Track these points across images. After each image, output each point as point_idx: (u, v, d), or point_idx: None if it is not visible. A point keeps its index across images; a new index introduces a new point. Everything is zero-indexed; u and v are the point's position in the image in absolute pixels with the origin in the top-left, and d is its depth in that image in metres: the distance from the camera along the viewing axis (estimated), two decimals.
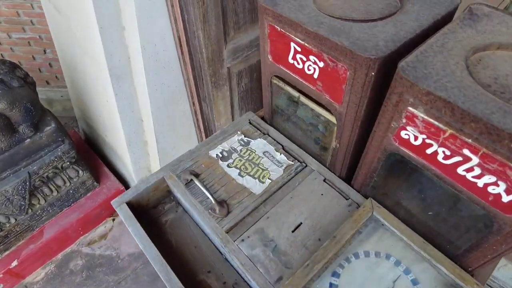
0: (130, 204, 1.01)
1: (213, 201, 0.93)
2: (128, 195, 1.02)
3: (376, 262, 0.85)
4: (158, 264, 0.87)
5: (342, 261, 0.86)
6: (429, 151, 0.70)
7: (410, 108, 0.67)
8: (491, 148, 0.59)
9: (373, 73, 0.71)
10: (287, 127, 1.13)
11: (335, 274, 0.84)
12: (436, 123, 0.64)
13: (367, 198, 0.95)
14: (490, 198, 0.64)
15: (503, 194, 0.62)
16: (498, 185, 0.62)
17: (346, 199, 0.97)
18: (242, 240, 0.90)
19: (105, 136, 2.16)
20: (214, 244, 1.02)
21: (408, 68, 0.66)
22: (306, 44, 0.80)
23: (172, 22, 1.57)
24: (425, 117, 0.65)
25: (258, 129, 1.15)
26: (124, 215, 0.97)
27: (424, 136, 0.69)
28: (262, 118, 1.22)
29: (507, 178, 0.59)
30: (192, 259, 1.00)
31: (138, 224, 0.95)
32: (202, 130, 1.96)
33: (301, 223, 0.93)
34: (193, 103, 1.87)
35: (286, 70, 0.93)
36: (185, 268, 0.97)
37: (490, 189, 0.63)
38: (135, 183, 2.08)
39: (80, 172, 1.90)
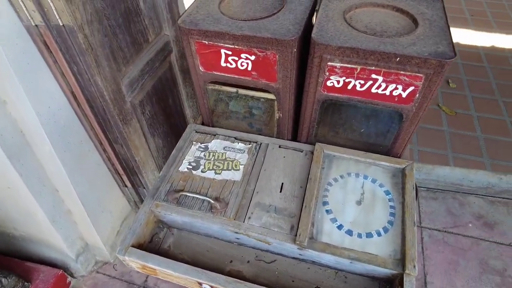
0: (133, 247, 1.04)
1: (211, 201, 1.06)
2: (128, 239, 1.05)
3: (344, 181, 1.14)
4: (196, 273, 0.96)
5: (323, 192, 1.12)
6: (349, 86, 1.00)
7: (329, 63, 0.96)
8: (387, 67, 0.92)
9: (295, 50, 0.97)
10: (230, 123, 1.32)
11: (324, 203, 1.09)
12: (349, 65, 0.95)
13: (315, 144, 1.23)
14: (396, 99, 0.99)
15: (402, 93, 0.97)
16: (397, 88, 0.96)
17: (301, 152, 1.23)
18: (249, 218, 1.06)
19: (14, 230, 1.90)
20: (223, 239, 1.14)
21: (318, 36, 0.94)
22: (236, 47, 1.00)
23: (59, 78, 1.53)
24: (341, 64, 0.95)
25: (206, 134, 1.30)
26: (138, 256, 1.01)
27: (344, 78, 0.99)
28: (203, 124, 1.37)
29: (401, 81, 0.94)
30: (211, 260, 1.11)
31: (156, 256, 1.00)
32: (122, 172, 1.94)
33: (283, 183, 1.15)
34: (104, 150, 1.84)
35: (220, 73, 1.11)
36: (210, 270, 1.08)
37: (394, 93, 0.98)
38: (73, 259, 1.91)
39: (4, 280, 1.66)
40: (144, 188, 1.98)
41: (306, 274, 1.07)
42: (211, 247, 1.14)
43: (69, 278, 1.92)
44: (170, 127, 2.11)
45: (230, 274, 1.08)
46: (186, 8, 1.16)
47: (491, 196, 2.40)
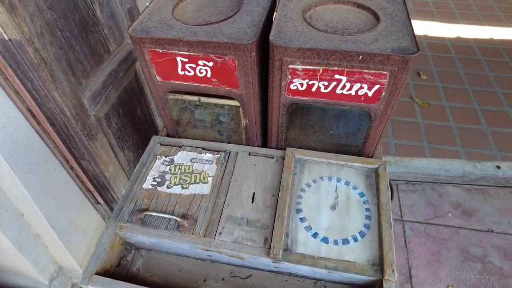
0: (98, 274, 0.97)
1: (178, 219, 1.00)
2: (92, 266, 0.97)
3: (317, 186, 1.10)
4: None
5: (297, 199, 1.07)
6: (313, 89, 0.96)
7: (290, 66, 0.91)
8: (349, 66, 0.88)
9: (254, 53, 0.92)
10: (197, 132, 1.25)
11: (298, 211, 1.05)
12: (311, 67, 0.90)
13: (285, 149, 1.18)
14: (362, 99, 0.96)
15: (368, 92, 0.93)
16: (362, 88, 0.93)
17: (272, 158, 1.18)
18: (220, 233, 1.01)
19: None
20: (194, 257, 1.08)
21: (277, 38, 0.89)
22: (191, 53, 0.95)
23: (12, 95, 1.43)
24: (303, 66, 0.91)
25: (171, 146, 1.23)
26: (103, 284, 0.93)
27: (307, 80, 0.94)
28: (168, 136, 1.30)
29: (365, 80, 0.90)
30: (184, 281, 1.04)
31: (122, 282, 0.93)
32: (93, 189, 1.85)
33: (254, 192, 1.09)
34: (71, 167, 1.74)
35: (179, 82, 1.05)
36: None
37: (360, 92, 0.94)
38: (46, 284, 1.81)
39: None
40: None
41: (284, 287, 1.02)
42: (182, 266, 1.07)
43: None
44: (141, 139, 2.03)
45: None
46: None
47: (468, 184, 2.43)
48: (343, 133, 1.12)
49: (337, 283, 1.01)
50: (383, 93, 0.93)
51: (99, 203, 1.92)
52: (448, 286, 2.01)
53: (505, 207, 2.32)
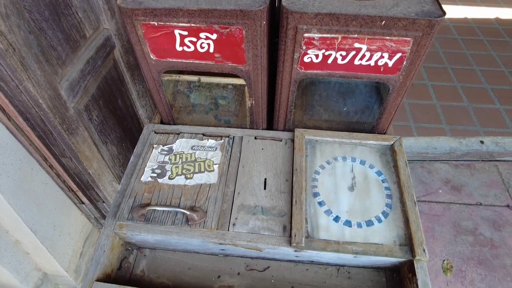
0: (99, 280, 0.85)
1: (187, 212, 0.90)
2: (91, 273, 0.85)
3: (332, 167, 1.03)
4: None
5: (312, 183, 1.00)
6: (330, 60, 0.88)
7: (306, 34, 0.82)
8: (371, 33, 0.80)
9: (264, 22, 0.82)
10: (192, 118, 1.14)
11: (315, 195, 0.98)
12: (329, 35, 0.82)
13: (293, 131, 1.10)
14: (381, 69, 0.89)
15: (388, 61, 0.87)
16: (383, 57, 0.85)
17: (280, 141, 1.10)
18: (234, 224, 0.92)
19: None
20: (205, 253, 0.98)
21: (291, 4, 0.80)
22: (192, 25, 0.83)
23: None
24: (320, 35, 0.82)
25: (168, 133, 1.12)
26: None
27: (323, 51, 0.86)
28: (162, 123, 1.18)
29: (387, 48, 0.83)
30: (196, 279, 0.95)
31: None
32: (76, 188, 1.70)
33: (266, 178, 1.01)
34: (51, 166, 1.58)
35: (177, 60, 0.93)
36: None
37: (380, 62, 0.87)
38: None
39: None
40: (104, 202, 1.75)
41: (305, 276, 0.95)
42: (192, 263, 0.98)
43: None
44: (124, 132, 1.88)
45: None
46: None
47: (455, 160, 2.47)
48: (355, 110, 1.05)
49: (362, 267, 0.95)
50: (404, 63, 0.86)
51: (83, 202, 1.77)
52: (444, 261, 2.03)
53: (491, 180, 2.38)
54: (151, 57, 0.94)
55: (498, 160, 2.47)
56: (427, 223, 2.20)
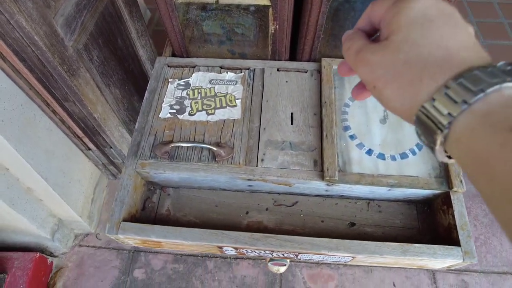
0: (126, 221, 0.83)
1: (214, 148, 0.84)
2: (117, 213, 0.82)
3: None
4: (216, 236, 0.78)
5: (342, 116, 0.94)
6: None
7: None
8: None
9: None
10: (206, 51, 1.05)
11: (346, 128, 0.92)
12: None
13: (318, 62, 1.02)
14: None
15: None
16: None
17: (306, 72, 1.02)
18: (262, 160, 0.87)
19: None
20: (231, 190, 0.95)
21: None
22: None
23: None
24: None
25: (182, 67, 1.03)
26: (136, 231, 0.80)
27: None
28: (174, 56, 1.08)
29: None
30: (224, 216, 0.93)
31: (159, 226, 0.80)
32: (82, 134, 1.63)
33: (292, 112, 0.95)
34: (54, 111, 1.50)
35: None
36: (226, 226, 0.90)
37: None
38: (49, 238, 1.67)
39: None
40: (111, 147, 1.69)
41: (335, 210, 0.94)
42: (219, 201, 0.95)
43: (49, 259, 1.70)
44: (125, 74, 1.77)
45: (249, 227, 0.91)
46: None
47: None
48: None
49: (393, 201, 0.93)
50: None
51: (90, 149, 1.72)
52: None
53: None
54: None
55: None
56: None
